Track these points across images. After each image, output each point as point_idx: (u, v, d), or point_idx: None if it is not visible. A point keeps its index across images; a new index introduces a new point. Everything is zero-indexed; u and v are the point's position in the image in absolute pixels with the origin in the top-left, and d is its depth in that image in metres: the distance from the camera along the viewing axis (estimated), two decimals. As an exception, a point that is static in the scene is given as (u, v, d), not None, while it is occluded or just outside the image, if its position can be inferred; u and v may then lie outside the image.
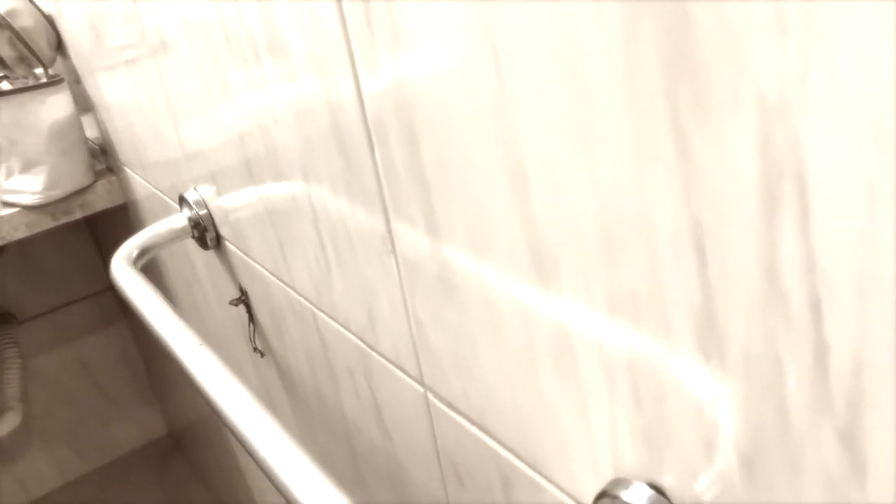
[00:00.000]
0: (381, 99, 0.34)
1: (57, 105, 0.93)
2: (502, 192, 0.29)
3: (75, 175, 0.98)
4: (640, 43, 0.21)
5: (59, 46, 1.02)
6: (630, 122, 0.22)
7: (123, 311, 1.60)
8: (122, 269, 0.60)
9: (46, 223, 0.97)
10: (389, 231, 0.39)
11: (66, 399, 1.59)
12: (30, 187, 0.95)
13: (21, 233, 0.96)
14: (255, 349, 0.71)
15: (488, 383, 0.36)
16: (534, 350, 0.32)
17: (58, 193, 0.96)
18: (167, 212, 0.85)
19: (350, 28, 0.34)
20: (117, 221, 1.16)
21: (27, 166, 0.94)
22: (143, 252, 0.64)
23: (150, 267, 0.69)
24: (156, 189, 0.87)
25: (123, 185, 1.02)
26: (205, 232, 0.69)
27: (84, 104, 1.06)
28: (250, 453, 0.38)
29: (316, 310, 0.54)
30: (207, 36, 0.51)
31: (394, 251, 0.39)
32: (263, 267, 0.61)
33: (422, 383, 0.43)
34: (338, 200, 0.43)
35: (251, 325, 0.70)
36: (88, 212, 1.00)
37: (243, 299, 0.69)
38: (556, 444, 0.32)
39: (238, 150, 0.55)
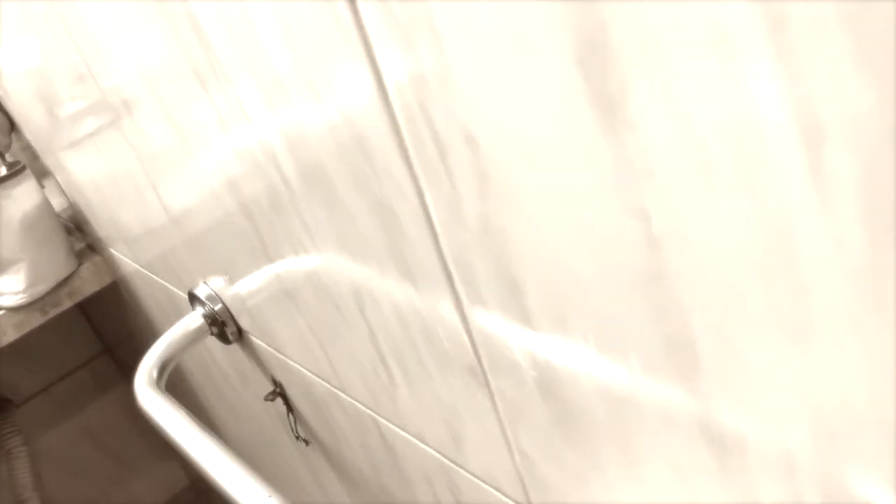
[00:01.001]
0: (469, 249, 0.29)
1: (24, 196, 0.86)
2: (655, 355, 0.24)
3: (57, 265, 0.91)
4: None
5: (13, 129, 0.94)
6: (872, 323, 0.18)
7: (121, 372, 1.53)
8: (148, 396, 0.55)
9: (36, 320, 0.91)
10: (479, 361, 0.34)
11: (80, 473, 1.52)
12: (11, 288, 0.88)
13: (10, 336, 0.89)
14: (299, 437, 0.67)
15: (630, 529, 0.32)
16: (696, 508, 0.27)
17: (42, 289, 0.89)
18: (168, 295, 0.79)
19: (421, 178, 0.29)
20: (104, 290, 1.10)
21: (4, 266, 0.87)
22: (164, 367, 0.59)
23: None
24: (152, 274, 0.81)
25: (109, 264, 0.95)
26: (223, 327, 0.63)
27: (43, 172, 0.99)
28: None
29: (377, 416, 0.49)
30: (175, 80, 0.44)
31: (487, 385, 0.35)
32: (300, 365, 0.56)
33: (530, 508, 0.39)
34: (402, 321, 0.38)
35: (290, 415, 0.65)
36: (78, 298, 0.94)
37: (278, 392, 0.64)
38: None
39: (245, 229, 0.50)
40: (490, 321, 0.31)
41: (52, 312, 0.92)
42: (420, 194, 0.30)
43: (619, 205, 0.22)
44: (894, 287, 0.17)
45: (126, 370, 1.51)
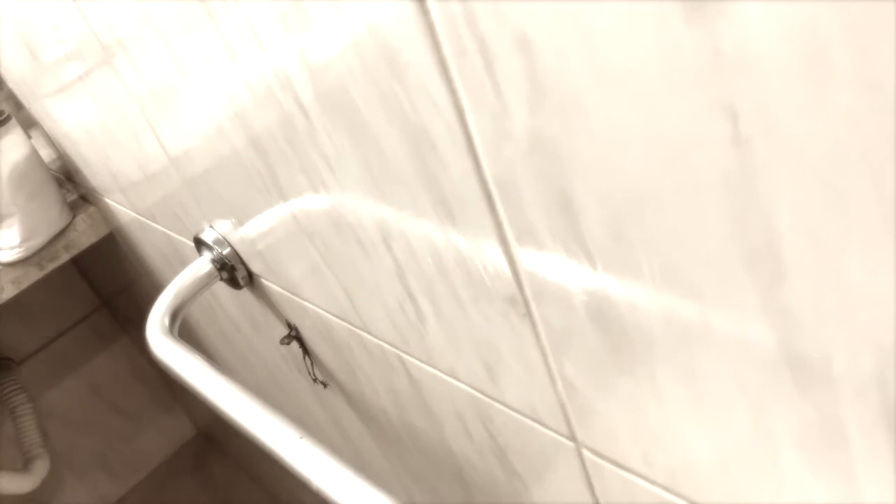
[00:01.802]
0: (515, 169, 0.27)
1: (11, 147, 0.83)
2: (731, 271, 0.23)
3: (51, 218, 0.88)
4: None
5: (-6, 78, 0.90)
6: None
7: (122, 326, 1.52)
8: (163, 344, 0.53)
9: (34, 275, 0.89)
10: (521, 288, 0.33)
11: (87, 427, 1.53)
12: (6, 243, 0.85)
13: (9, 293, 0.87)
14: (316, 380, 0.66)
15: (688, 452, 0.31)
16: (771, 440, 0.26)
17: (38, 242, 0.87)
18: (171, 242, 0.77)
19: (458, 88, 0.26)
20: (98, 242, 1.07)
21: (-3, 221, 0.84)
22: (175, 314, 0.57)
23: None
24: (152, 222, 0.79)
25: (105, 215, 0.93)
26: (233, 271, 0.61)
27: (29, 122, 0.95)
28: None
29: (403, 354, 0.48)
30: (175, 9, 0.41)
31: (529, 314, 0.33)
32: (318, 307, 0.55)
33: (572, 438, 0.38)
34: (433, 253, 0.37)
35: (307, 357, 0.64)
36: (75, 251, 0.91)
37: (294, 335, 0.62)
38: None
39: (255, 165, 0.48)
40: (536, 246, 0.29)
41: (50, 266, 0.90)
42: (459, 111, 0.27)
43: (702, 103, 0.20)
44: None
45: (125, 323, 1.50)
